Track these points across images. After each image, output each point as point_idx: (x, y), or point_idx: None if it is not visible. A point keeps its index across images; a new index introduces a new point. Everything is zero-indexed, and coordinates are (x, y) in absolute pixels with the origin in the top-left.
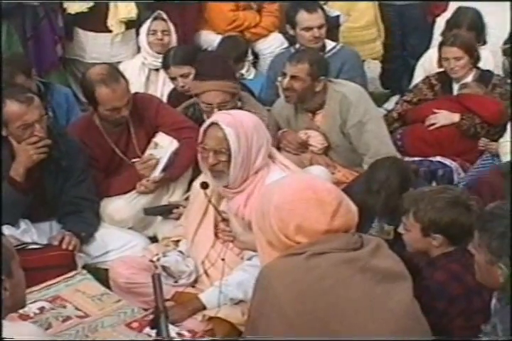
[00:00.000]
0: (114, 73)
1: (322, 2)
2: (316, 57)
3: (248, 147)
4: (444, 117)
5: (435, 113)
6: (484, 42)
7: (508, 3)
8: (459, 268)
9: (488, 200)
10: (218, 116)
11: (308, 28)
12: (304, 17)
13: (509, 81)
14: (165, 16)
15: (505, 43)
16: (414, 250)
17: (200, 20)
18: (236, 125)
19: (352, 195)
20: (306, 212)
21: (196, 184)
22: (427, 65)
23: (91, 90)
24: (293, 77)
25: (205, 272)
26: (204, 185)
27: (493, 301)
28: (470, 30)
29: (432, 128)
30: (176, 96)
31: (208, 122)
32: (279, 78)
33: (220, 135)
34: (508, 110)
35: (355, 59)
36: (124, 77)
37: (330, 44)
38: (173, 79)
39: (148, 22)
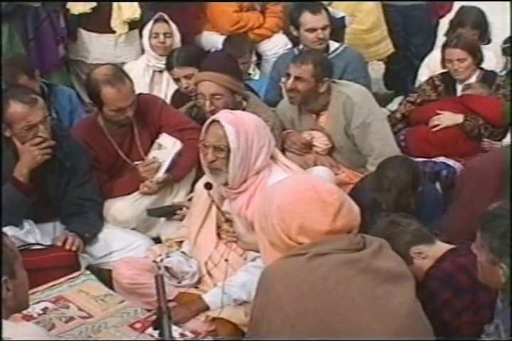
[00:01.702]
0: (119, 73)
1: (326, 3)
2: (319, 58)
3: (248, 146)
4: (447, 118)
5: (439, 114)
6: (489, 41)
7: (508, 3)
8: (466, 262)
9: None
10: (220, 114)
11: (312, 30)
12: (307, 18)
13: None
14: (167, 18)
15: (505, 42)
16: (428, 270)
17: (200, 20)
18: (237, 123)
19: (362, 194)
20: (308, 212)
21: (200, 185)
22: (432, 65)
23: (96, 90)
24: (297, 78)
25: (208, 273)
26: (208, 186)
27: (498, 301)
28: (474, 28)
29: (435, 129)
30: (180, 97)
31: (209, 119)
32: (283, 79)
33: (220, 132)
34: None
35: (358, 60)
36: (128, 77)
37: (333, 45)
38: (176, 80)
39: (149, 24)
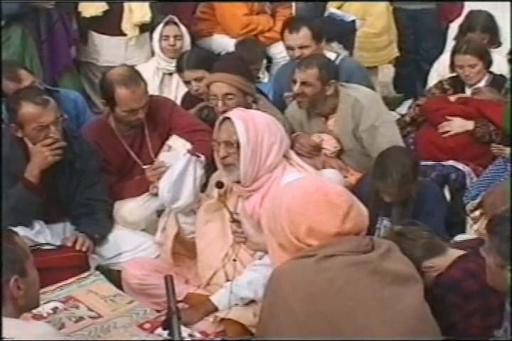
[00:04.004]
0: (134, 75)
1: (339, 3)
2: (324, 62)
3: (258, 141)
4: (458, 125)
5: (449, 120)
6: (499, 45)
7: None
8: (475, 267)
9: None
10: (231, 112)
11: (289, 47)
12: (286, 35)
13: None
14: (176, 20)
15: (510, 53)
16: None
17: (206, 23)
18: (247, 119)
19: (365, 186)
20: (317, 214)
21: (212, 182)
22: (441, 69)
23: (110, 90)
24: (303, 83)
25: (218, 273)
26: (219, 185)
27: (506, 305)
28: (484, 32)
29: (445, 135)
30: (190, 100)
31: (221, 117)
32: (286, 94)
33: (230, 128)
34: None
35: (358, 71)
36: (143, 79)
37: (331, 55)
38: (187, 82)
39: (160, 27)
